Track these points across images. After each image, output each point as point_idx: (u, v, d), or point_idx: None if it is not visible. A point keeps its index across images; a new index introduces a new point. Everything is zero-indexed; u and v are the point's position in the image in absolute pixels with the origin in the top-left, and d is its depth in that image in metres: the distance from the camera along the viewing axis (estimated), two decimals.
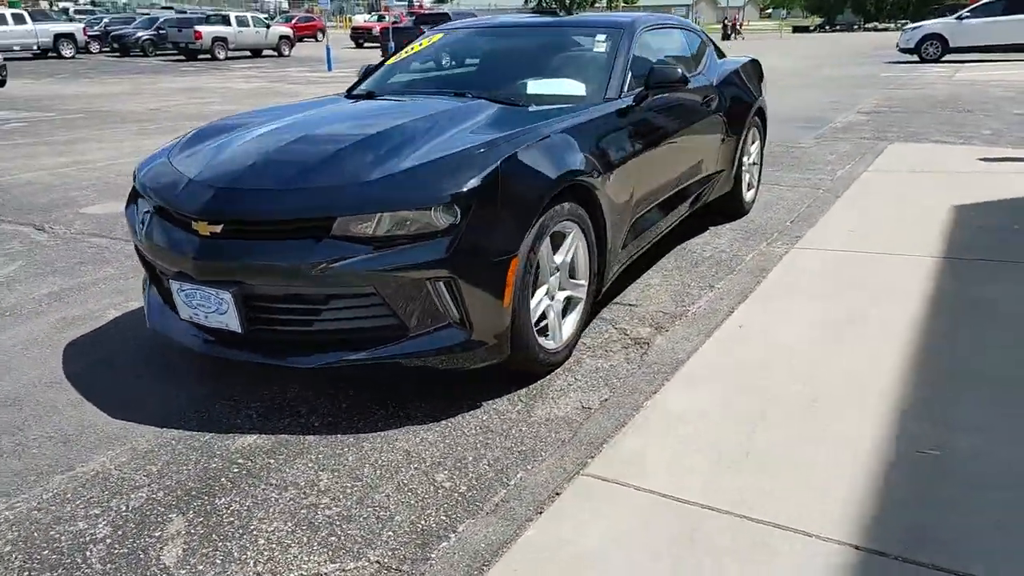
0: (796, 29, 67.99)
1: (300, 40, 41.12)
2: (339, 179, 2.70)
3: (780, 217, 5.52)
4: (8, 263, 4.79)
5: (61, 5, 59.31)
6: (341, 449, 2.63)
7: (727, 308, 3.74)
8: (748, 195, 5.56)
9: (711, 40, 5.23)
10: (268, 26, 31.59)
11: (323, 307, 2.68)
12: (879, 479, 2.31)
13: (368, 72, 4.41)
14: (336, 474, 2.49)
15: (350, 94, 4.17)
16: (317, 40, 42.24)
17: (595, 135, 3.32)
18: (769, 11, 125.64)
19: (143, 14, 39.38)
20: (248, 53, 31.37)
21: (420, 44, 4.50)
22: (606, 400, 2.93)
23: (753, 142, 5.52)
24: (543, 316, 3.07)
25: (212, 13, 31.80)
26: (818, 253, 4.54)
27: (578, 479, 2.40)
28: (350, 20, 48.82)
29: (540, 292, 3.01)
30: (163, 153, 3.30)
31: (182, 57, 29.55)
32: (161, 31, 30.65)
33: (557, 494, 2.32)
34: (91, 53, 31.64)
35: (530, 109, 3.44)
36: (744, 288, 3.99)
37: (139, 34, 31.07)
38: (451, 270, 2.60)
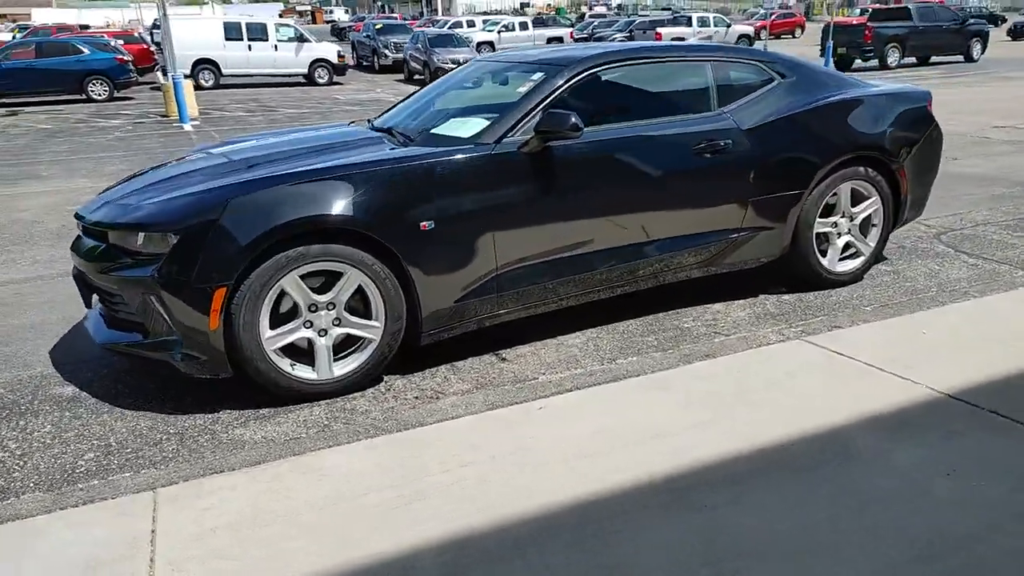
0: None
1: (777, 37, 40.38)
2: (135, 200, 3.36)
3: (873, 297, 4.30)
4: None
5: (596, 9, 67.49)
6: (86, 413, 3.31)
7: (573, 386, 3.33)
8: (844, 265, 4.42)
9: (796, 67, 4.27)
10: (728, 25, 31.85)
11: (114, 299, 3.37)
12: None
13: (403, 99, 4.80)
14: (55, 427, 3.19)
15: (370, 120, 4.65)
16: (794, 36, 40.96)
17: (412, 180, 3.32)
18: None
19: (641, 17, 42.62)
20: None
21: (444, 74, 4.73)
22: (291, 439, 3.05)
23: (864, 200, 4.35)
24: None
25: (679, 15, 33.23)
26: (813, 350, 3.56)
27: (142, 494, 2.68)
28: (844, 13, 45.65)
29: (293, 323, 3.24)
30: None
31: None
32: (632, 33, 33.20)
33: (113, 498, 2.66)
34: None
35: (393, 149, 3.60)
36: (633, 371, 3.45)
37: (614, 36, 34.10)
38: (159, 288, 3.06)
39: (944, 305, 4.08)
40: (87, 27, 37.66)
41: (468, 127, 3.71)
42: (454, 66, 23.54)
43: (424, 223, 3.32)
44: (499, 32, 32.68)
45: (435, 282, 3.40)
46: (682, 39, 30.69)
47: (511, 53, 4.68)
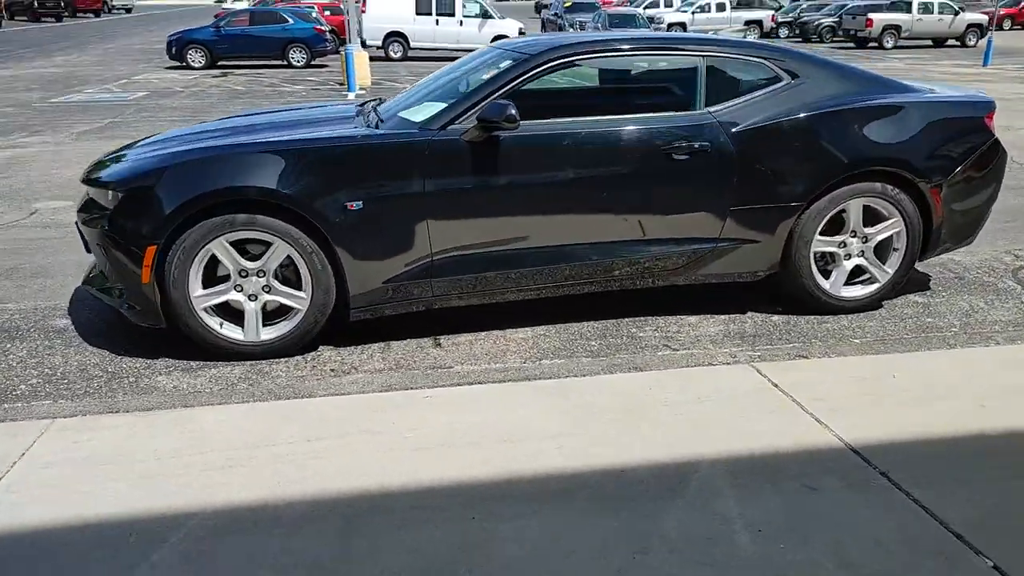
0: None
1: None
2: (116, 159, 3.73)
3: (874, 330, 3.81)
4: None
5: None
6: (60, 344, 3.74)
7: (477, 380, 3.30)
8: (851, 291, 3.93)
9: (815, 67, 3.81)
10: (957, 12, 28.47)
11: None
12: None
13: None
14: (28, 353, 3.65)
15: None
16: None
17: (343, 160, 3.42)
18: None
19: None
20: (928, 43, 29.19)
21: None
22: (194, 392, 3.28)
23: (882, 220, 3.83)
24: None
25: (897, 0, 30.12)
26: (752, 378, 3.25)
27: (44, 420, 3.01)
28: None
29: (223, 286, 3.46)
30: None
31: (851, 44, 29.17)
32: (841, 18, 30.64)
33: (17, 421, 3.03)
34: (778, 37, 33.76)
35: (352, 129, 3.71)
36: (550, 374, 3.34)
37: (821, 20, 31.67)
38: (107, 241, 3.40)
39: (952, 349, 3.54)
40: None
41: (425, 111, 3.72)
42: None
43: (352, 203, 3.40)
44: (693, 13, 31.55)
45: (363, 261, 3.48)
46: (897, 26, 27.99)
47: (522, 40, 4.59)
